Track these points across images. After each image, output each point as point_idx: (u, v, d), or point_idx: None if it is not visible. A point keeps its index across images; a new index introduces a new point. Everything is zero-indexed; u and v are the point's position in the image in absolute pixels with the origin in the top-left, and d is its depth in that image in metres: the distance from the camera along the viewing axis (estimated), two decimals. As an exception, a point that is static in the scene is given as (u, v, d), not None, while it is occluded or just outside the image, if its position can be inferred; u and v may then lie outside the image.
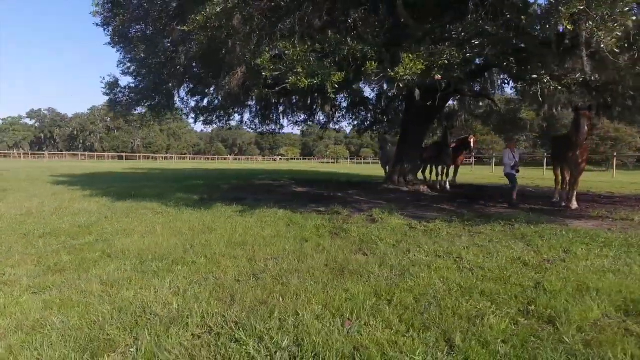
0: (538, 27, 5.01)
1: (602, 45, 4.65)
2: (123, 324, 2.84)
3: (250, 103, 16.86)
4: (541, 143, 58.85)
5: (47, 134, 77.28)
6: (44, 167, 26.60)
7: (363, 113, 20.56)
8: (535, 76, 5.93)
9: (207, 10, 5.26)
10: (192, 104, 15.59)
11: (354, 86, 6.79)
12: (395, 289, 3.60)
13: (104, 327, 2.75)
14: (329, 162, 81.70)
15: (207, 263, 4.45)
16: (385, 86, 9.98)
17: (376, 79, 5.83)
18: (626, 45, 5.39)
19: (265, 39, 6.17)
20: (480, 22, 5.51)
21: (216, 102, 15.18)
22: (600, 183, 18.47)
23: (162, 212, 7.87)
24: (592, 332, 2.79)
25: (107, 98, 12.34)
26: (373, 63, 5.70)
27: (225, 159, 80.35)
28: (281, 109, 17.65)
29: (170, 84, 12.20)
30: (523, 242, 5.64)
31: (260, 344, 2.55)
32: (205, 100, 15.54)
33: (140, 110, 13.47)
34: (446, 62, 5.68)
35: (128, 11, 8.58)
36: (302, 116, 19.32)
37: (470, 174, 28.53)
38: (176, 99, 14.57)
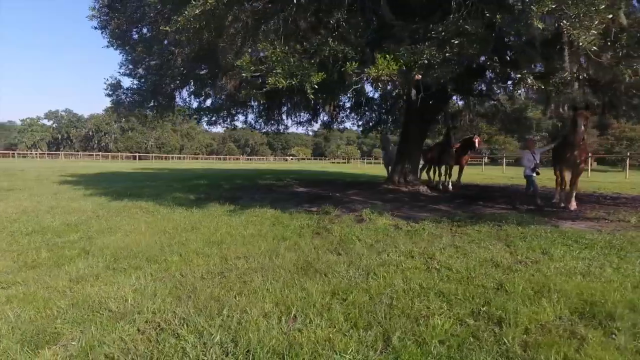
0: (514, 26, 4.94)
1: (581, 44, 4.57)
2: (75, 318, 2.93)
3: (253, 104, 17.00)
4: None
5: (64, 135, 79.16)
6: (56, 167, 27.26)
7: (368, 113, 20.53)
8: (519, 76, 5.86)
9: (187, 12, 5.34)
10: (195, 104, 15.75)
11: (342, 87, 6.76)
12: (354, 289, 3.62)
13: (55, 321, 2.84)
14: (340, 162, 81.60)
15: (179, 261, 4.53)
16: (369, 86, 10.01)
17: (357, 79, 5.82)
18: (609, 43, 5.29)
19: (248, 40, 6.24)
20: (461, 21, 5.47)
21: (220, 102, 15.35)
22: (610, 184, 18.04)
23: (154, 211, 8.02)
24: (535, 334, 2.76)
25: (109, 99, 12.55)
26: (353, 63, 5.71)
27: (237, 159, 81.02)
28: (284, 109, 17.70)
29: (172, 85, 12.42)
30: (503, 243, 5.58)
31: (198, 340, 2.61)
32: (209, 101, 15.73)
33: (143, 111, 13.65)
34: (426, 61, 5.66)
35: (124, 14, 8.75)
36: (306, 116, 19.36)
37: (480, 174, 28.17)
38: (178, 100, 14.78)
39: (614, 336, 2.73)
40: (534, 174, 9.71)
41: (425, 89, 11.87)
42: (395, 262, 4.57)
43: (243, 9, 6.15)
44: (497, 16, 4.87)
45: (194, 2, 5.32)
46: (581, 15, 4.47)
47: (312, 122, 20.17)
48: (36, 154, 63.64)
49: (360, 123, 21.08)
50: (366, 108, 20.35)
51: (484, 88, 15.82)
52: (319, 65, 6.16)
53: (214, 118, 16.89)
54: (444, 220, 7.44)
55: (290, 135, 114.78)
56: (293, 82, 5.54)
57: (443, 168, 16.13)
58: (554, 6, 4.31)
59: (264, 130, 20.26)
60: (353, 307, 3.20)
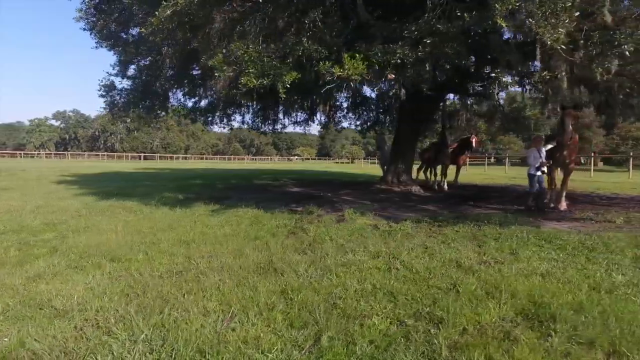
0: (482, 25, 4.90)
1: (548, 42, 4.52)
2: (17, 315, 2.97)
3: (249, 104, 17.03)
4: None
5: (72, 135, 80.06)
6: (59, 167, 27.59)
7: (365, 113, 20.48)
8: (493, 75, 5.81)
9: (158, 13, 5.38)
10: (190, 104, 15.80)
11: (317, 87, 6.74)
12: (305, 288, 3.62)
13: (-4, 318, 2.88)
14: (344, 163, 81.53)
15: (143, 260, 4.57)
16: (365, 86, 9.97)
17: (330, 78, 5.81)
18: (582, 41, 5.22)
19: (224, 40, 6.26)
20: (433, 21, 5.44)
21: (214, 102, 15.40)
22: (613, 184, 17.78)
23: (137, 210, 8.08)
24: (469, 335, 2.74)
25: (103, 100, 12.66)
26: (326, 63, 5.71)
27: (241, 159, 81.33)
28: (281, 109, 17.71)
29: (166, 85, 12.51)
30: (475, 244, 5.54)
31: (129, 338, 2.63)
32: (204, 101, 15.79)
33: (137, 112, 13.76)
34: (399, 61, 5.64)
35: (111, 15, 8.84)
36: (303, 116, 19.36)
37: (482, 174, 27.94)
38: (173, 100, 14.86)
39: (549, 338, 2.70)
40: (539, 173, 9.26)
41: (414, 89, 11.85)
42: (358, 262, 4.56)
43: (217, 9, 6.17)
44: (465, 15, 4.83)
45: (164, 3, 5.35)
46: (547, 13, 4.42)
47: (309, 122, 20.17)
48: (43, 154, 64.45)
49: (358, 123, 21.04)
50: (364, 108, 20.32)
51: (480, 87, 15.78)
52: (296, 66, 6.18)
53: (210, 118, 16.95)
54: (426, 221, 7.39)
55: (296, 135, 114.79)
56: (265, 82, 5.55)
57: (439, 168, 16.05)
58: (518, 4, 4.27)
59: (261, 130, 20.28)
60: (297, 306, 3.20)
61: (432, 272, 4.13)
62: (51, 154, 65.45)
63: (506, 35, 6.59)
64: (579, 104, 9.70)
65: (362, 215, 7.88)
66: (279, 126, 19.97)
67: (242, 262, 4.50)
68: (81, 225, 6.46)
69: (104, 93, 12.39)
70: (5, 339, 2.61)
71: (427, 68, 6.22)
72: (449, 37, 5.29)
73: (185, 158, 75.51)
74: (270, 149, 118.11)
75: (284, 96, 5.59)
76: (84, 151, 70.88)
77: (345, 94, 19.14)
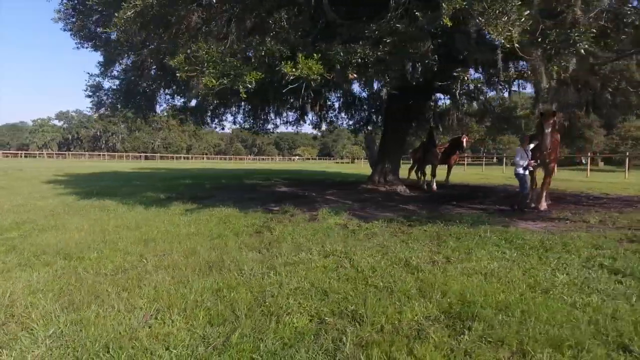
0: (433, 24, 4.91)
1: (497, 41, 4.51)
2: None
3: (241, 104, 17.07)
4: (563, 142, 56.88)
5: (74, 135, 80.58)
6: (56, 167, 27.80)
7: (357, 113, 20.48)
8: (455, 74, 5.81)
9: (118, 14, 5.43)
10: (179, 104, 15.86)
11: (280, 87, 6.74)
12: (241, 286, 3.65)
13: None
14: (345, 162, 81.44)
15: (96, 258, 4.62)
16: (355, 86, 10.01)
17: (293, 78, 5.83)
18: (539, 39, 5.22)
19: (189, 40, 6.30)
20: (393, 20, 5.45)
21: (202, 103, 15.43)
22: (606, 184, 17.66)
23: (111, 209, 8.14)
24: (383, 333, 2.76)
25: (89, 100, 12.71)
26: (288, 63, 5.73)
27: (241, 159, 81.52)
28: (271, 108, 17.73)
29: (154, 85, 12.57)
30: (435, 243, 5.55)
31: (44, 333, 2.67)
32: (194, 101, 15.83)
33: (123, 112, 13.84)
34: (360, 60, 5.66)
35: (90, 17, 8.90)
36: (294, 116, 19.38)
37: (479, 174, 27.84)
38: (161, 100, 14.93)
39: (461, 336, 2.71)
40: (527, 172, 9.12)
41: (403, 89, 11.85)
42: (308, 260, 4.58)
43: (185, 10, 6.21)
44: (418, 14, 4.84)
45: (124, 5, 5.40)
46: (497, 12, 4.43)
47: (301, 122, 20.18)
48: (45, 154, 64.94)
49: (351, 123, 21.05)
50: (357, 107, 20.33)
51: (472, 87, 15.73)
52: (262, 66, 6.20)
53: (203, 118, 17.00)
54: (398, 220, 7.41)
55: (297, 135, 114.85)
56: (225, 82, 5.58)
57: (428, 168, 16.05)
58: (464, 3, 4.27)
59: (253, 131, 20.32)
60: (224, 304, 3.23)
61: (375, 271, 4.15)
62: (53, 154, 65.94)
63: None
64: (556, 110, 9.71)
65: (335, 215, 7.90)
66: (270, 126, 19.99)
67: (192, 260, 4.53)
68: (50, 224, 6.53)
69: (90, 93, 12.43)
70: None
71: (396, 68, 6.20)
72: (407, 37, 5.29)
73: (187, 158, 75.80)
74: (271, 149, 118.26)
75: (245, 96, 5.60)
76: (86, 151, 71.32)
77: (336, 94, 19.25)
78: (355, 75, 5.73)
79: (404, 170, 19.58)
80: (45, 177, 17.10)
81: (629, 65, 9.20)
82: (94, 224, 6.55)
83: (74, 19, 8.99)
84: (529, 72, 5.98)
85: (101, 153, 64.86)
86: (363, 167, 48.56)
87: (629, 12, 5.22)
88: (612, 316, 3.05)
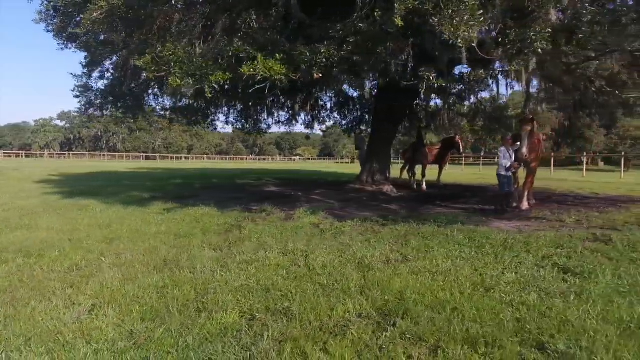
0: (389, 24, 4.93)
1: (451, 41, 4.54)
2: None
3: (234, 103, 17.12)
4: (564, 142, 56.77)
5: (76, 135, 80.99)
6: (52, 167, 27.98)
7: (349, 113, 20.52)
8: (420, 74, 5.84)
9: (84, 16, 5.50)
10: (169, 104, 15.91)
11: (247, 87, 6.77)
12: (187, 284, 3.71)
13: None
14: (345, 162, 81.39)
15: (57, 256, 4.69)
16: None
17: (260, 78, 5.87)
18: (500, 39, 5.24)
19: (158, 41, 6.36)
20: (357, 20, 5.49)
21: (192, 102, 15.47)
22: (599, 184, 17.56)
23: (91, 209, 8.22)
24: (308, 329, 2.81)
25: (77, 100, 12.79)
26: (249, 63, 5.77)
27: (241, 159, 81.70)
28: (259, 108, 17.77)
29: (142, 86, 12.65)
30: (399, 243, 5.57)
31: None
32: (184, 101, 15.88)
33: (113, 111, 13.93)
34: (324, 60, 5.70)
35: (72, 18, 8.97)
36: (286, 116, 19.43)
37: (476, 174, 27.79)
38: (151, 100, 15.02)
39: (382, 333, 2.75)
40: (509, 174, 8.94)
41: (387, 89, 11.84)
42: (265, 259, 4.63)
43: (152, 11, 6.27)
44: (376, 14, 4.87)
45: (90, 6, 5.47)
46: (451, 12, 4.46)
47: (293, 122, 20.23)
48: (46, 154, 65.36)
49: (344, 122, 21.09)
50: (350, 107, 20.37)
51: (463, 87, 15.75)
52: (233, 66, 6.25)
53: (194, 118, 17.06)
54: (373, 220, 7.44)
55: (298, 135, 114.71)
56: (190, 82, 5.63)
57: (418, 168, 16.06)
58: (416, 3, 4.30)
59: (246, 131, 20.38)
60: (163, 300, 3.29)
61: (326, 270, 4.19)
62: (54, 154, 66.34)
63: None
64: (534, 116, 9.75)
65: (312, 214, 7.94)
66: (263, 126, 20.04)
67: (149, 258, 4.59)
68: (22, 223, 6.60)
69: (78, 94, 12.50)
70: None
71: (366, 68, 6.24)
72: (369, 37, 5.33)
73: (188, 158, 76.09)
74: (272, 149, 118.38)
75: (210, 96, 5.66)
76: (88, 151, 71.69)
77: (329, 94, 19.31)
78: (320, 75, 5.77)
79: (396, 171, 19.66)
80: (38, 177, 17.23)
81: (611, 64, 9.22)
82: (67, 223, 6.62)
83: (55, 20, 9.06)
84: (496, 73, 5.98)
85: (102, 153, 65.20)
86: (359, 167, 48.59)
87: (584, 12, 5.23)
88: (542, 314, 3.07)
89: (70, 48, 10.13)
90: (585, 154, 26.91)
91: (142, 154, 65.65)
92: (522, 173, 10.18)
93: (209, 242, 5.54)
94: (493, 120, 19.13)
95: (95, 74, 11.20)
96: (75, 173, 21.53)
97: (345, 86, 16.62)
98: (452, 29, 4.35)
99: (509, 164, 8.70)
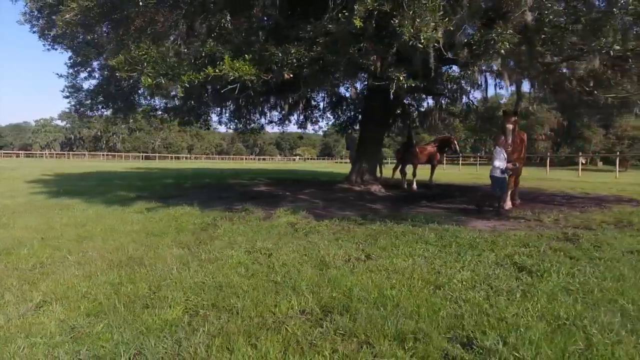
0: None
1: (422, 41, 4.59)
2: None
3: (227, 103, 17.18)
4: (563, 142, 56.76)
5: (77, 135, 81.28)
6: (48, 167, 28.13)
7: (341, 112, 20.58)
8: (389, 74, 5.89)
9: (56, 17, 5.58)
10: (161, 104, 15.95)
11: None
12: (142, 281, 3.78)
13: None
14: (344, 162, 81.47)
15: (25, 254, 4.77)
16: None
17: (232, 78, 5.94)
18: (465, 40, 5.29)
19: (133, 42, 6.43)
20: (326, 21, 5.55)
21: (183, 102, 15.51)
22: (592, 184, 17.54)
23: (73, 208, 8.30)
24: (247, 324, 2.87)
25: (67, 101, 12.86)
26: (220, 63, 5.83)
27: (241, 159, 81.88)
28: (251, 108, 17.82)
29: (136, 87, 12.72)
30: (367, 242, 5.61)
31: None
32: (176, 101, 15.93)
33: (104, 112, 14.01)
34: (294, 61, 5.76)
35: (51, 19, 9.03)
36: (278, 115, 19.49)
37: (473, 173, 27.79)
38: (142, 100, 15.07)
39: (316, 329, 2.81)
40: (505, 175, 8.41)
41: (377, 90, 11.88)
42: (229, 257, 4.69)
43: (129, 12, 6.34)
44: (340, 15, 4.93)
45: (62, 7, 5.54)
46: (412, 13, 4.51)
47: (285, 122, 20.29)
48: (47, 154, 65.65)
49: (338, 122, 21.15)
50: (343, 107, 20.43)
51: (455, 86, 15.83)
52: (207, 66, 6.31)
53: (186, 118, 17.11)
54: (351, 219, 7.47)
55: (298, 135, 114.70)
56: (162, 82, 5.70)
57: (408, 167, 16.10)
58: (375, 4, 4.36)
59: (240, 131, 20.46)
60: (115, 296, 3.35)
61: (284, 268, 4.25)
62: (54, 154, 66.63)
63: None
64: (517, 109, 9.79)
65: (292, 213, 7.99)
66: (256, 126, 20.09)
67: (114, 256, 4.66)
68: (0, 222, 6.67)
69: (67, 94, 12.56)
70: None
71: (342, 69, 6.29)
72: (336, 37, 5.39)
73: (188, 158, 76.32)
74: (272, 149, 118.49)
75: (182, 95, 5.72)
76: (90, 151, 71.95)
77: (322, 94, 19.38)
78: (291, 76, 5.83)
79: (388, 170, 19.70)
80: (31, 177, 17.34)
81: (594, 65, 9.23)
82: (44, 222, 6.70)
83: (40, 21, 9.13)
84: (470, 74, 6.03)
85: (102, 153, 65.46)
86: (359, 167, 48.61)
87: (546, 12, 5.27)
88: (482, 311, 3.12)
89: (56, 49, 10.20)
90: (580, 153, 26.86)
91: (141, 154, 65.90)
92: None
93: (180, 240, 5.60)
94: (485, 120, 19.20)
95: (83, 75, 11.24)
96: (69, 173, 21.65)
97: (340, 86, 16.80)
98: (412, 30, 4.40)
99: (503, 166, 8.23)
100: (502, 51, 4.91)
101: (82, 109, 13.62)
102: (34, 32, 9.65)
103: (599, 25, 4.93)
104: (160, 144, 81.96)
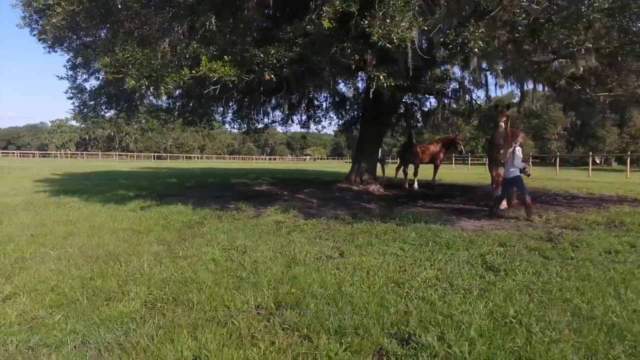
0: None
1: (395, 41, 4.63)
2: None
3: (229, 103, 17.37)
4: (577, 142, 55.77)
5: (91, 135, 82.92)
6: (58, 166, 28.81)
7: (344, 112, 20.59)
8: (368, 73, 5.92)
9: (43, 21, 5.77)
10: (165, 105, 16.19)
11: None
12: (112, 276, 3.92)
13: None
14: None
15: (11, 249, 4.96)
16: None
17: (215, 80, 6.05)
18: (442, 40, 5.30)
19: (120, 45, 6.59)
20: (305, 22, 5.62)
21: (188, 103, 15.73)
22: (601, 184, 17.24)
23: (70, 206, 8.54)
24: (196, 317, 2.96)
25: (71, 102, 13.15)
26: (206, 64, 5.95)
27: (250, 159, 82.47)
28: (253, 107, 17.96)
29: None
30: (346, 240, 5.67)
31: None
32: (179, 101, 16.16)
33: (106, 113, 14.30)
34: (275, 61, 5.85)
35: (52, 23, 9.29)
36: (280, 115, 19.60)
37: (481, 174, 27.47)
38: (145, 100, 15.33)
39: (263, 323, 2.89)
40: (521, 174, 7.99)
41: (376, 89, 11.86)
42: (203, 254, 4.81)
43: (118, 15, 6.51)
44: (313, 16, 5.00)
45: (49, 12, 5.73)
46: (381, 14, 4.55)
47: (288, 122, 20.38)
48: (61, 154, 67.20)
49: (341, 122, 21.17)
50: (347, 107, 20.45)
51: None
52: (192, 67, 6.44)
53: (190, 118, 17.34)
54: (340, 218, 7.54)
55: (309, 135, 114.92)
56: (146, 83, 5.84)
57: (409, 167, 16.07)
58: (344, 4, 4.42)
59: (242, 130, 20.64)
60: (83, 289, 3.49)
61: (254, 265, 4.33)
62: (68, 154, 68.15)
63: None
64: (510, 105, 9.68)
65: (282, 212, 8.09)
66: (260, 125, 20.24)
67: (94, 252, 4.82)
68: (-5, 218, 6.92)
69: (71, 95, 12.83)
70: None
71: (327, 68, 6.36)
72: (313, 38, 5.45)
73: (200, 158, 77.27)
74: (283, 148, 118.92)
75: (165, 96, 5.86)
76: (102, 151, 73.36)
77: (324, 94, 19.44)
78: (272, 76, 5.92)
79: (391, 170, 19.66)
80: (39, 176, 17.78)
81: (586, 63, 9.11)
82: (37, 220, 6.92)
83: (39, 25, 9.38)
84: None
85: (115, 153, 66.71)
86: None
87: (517, 11, 5.24)
88: (432, 308, 3.17)
89: (56, 51, 10.47)
90: (591, 153, 26.37)
91: (153, 154, 66.95)
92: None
93: (162, 238, 5.74)
94: (488, 119, 19.01)
95: (84, 76, 11.50)
96: (77, 172, 22.13)
97: (341, 86, 16.86)
98: (381, 31, 4.45)
99: (523, 165, 7.90)
100: (476, 50, 4.92)
101: (85, 110, 13.92)
102: (33, 35, 9.91)
103: (570, 24, 4.90)
104: (172, 144, 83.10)
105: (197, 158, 76.07)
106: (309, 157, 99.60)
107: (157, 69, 5.91)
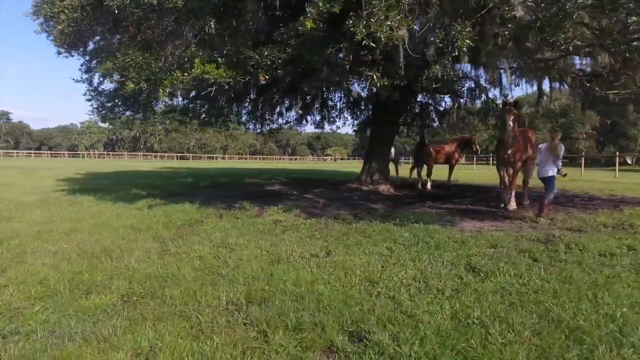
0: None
1: (364, 42, 4.65)
2: None
3: (245, 104, 17.65)
4: (606, 141, 53.73)
5: (118, 136, 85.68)
6: (83, 166, 29.95)
7: (358, 112, 20.56)
8: (360, 70, 5.94)
9: (49, 29, 6.06)
10: (181, 105, 16.56)
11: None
12: (99, 271, 4.11)
13: None
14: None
15: (16, 244, 5.26)
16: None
17: (213, 81, 6.20)
18: (431, 38, 5.27)
19: (123, 49, 6.84)
20: (297, 24, 5.70)
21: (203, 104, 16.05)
22: (627, 185, 16.56)
23: (81, 204, 8.91)
24: (166, 312, 3.09)
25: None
26: (200, 66, 6.10)
27: (271, 159, 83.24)
28: (267, 108, 18.16)
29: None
30: (337, 240, 5.70)
31: None
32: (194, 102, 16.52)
33: (124, 114, 14.76)
34: (269, 62, 5.95)
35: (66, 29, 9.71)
36: (294, 115, 19.75)
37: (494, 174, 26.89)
38: (160, 102, 15.75)
39: (228, 318, 2.98)
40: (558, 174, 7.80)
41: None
42: (193, 251, 4.96)
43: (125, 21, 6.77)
44: (302, 18, 5.07)
45: (54, 19, 6.01)
46: (365, 14, 4.58)
47: (302, 122, 20.51)
48: (88, 154, 69.77)
49: (357, 122, 21.14)
50: (361, 107, 20.42)
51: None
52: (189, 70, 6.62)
53: (206, 119, 17.70)
54: (340, 218, 7.56)
55: (330, 135, 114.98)
56: (145, 86, 6.05)
57: (422, 167, 15.91)
58: (328, 5, 4.46)
59: (257, 131, 20.91)
60: (69, 283, 3.67)
61: (237, 263, 4.44)
62: (95, 154, 70.68)
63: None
64: (518, 101, 9.43)
65: (284, 212, 8.19)
66: (275, 126, 20.45)
67: (90, 248, 5.04)
68: (9, 215, 7.33)
69: (90, 97, 13.32)
70: None
71: (325, 69, 6.43)
72: (305, 38, 5.52)
73: (222, 158, 78.62)
74: (304, 149, 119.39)
75: (164, 98, 6.04)
76: (129, 151, 75.70)
77: (338, 94, 19.48)
78: (267, 78, 6.02)
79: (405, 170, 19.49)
80: (62, 176, 18.55)
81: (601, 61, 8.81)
82: (47, 217, 7.27)
83: (55, 31, 9.81)
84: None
85: (140, 153, 68.69)
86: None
87: (506, 8, 5.13)
88: (398, 308, 3.18)
89: (73, 55, 10.90)
90: (618, 153, 25.38)
91: (176, 154, 68.61)
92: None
93: (160, 235, 5.93)
94: (497, 118, 18.60)
95: (100, 79, 11.93)
96: (99, 172, 22.95)
97: (355, 86, 16.86)
98: (365, 30, 4.47)
99: (560, 164, 7.72)
100: (465, 49, 4.86)
101: (104, 112, 14.42)
102: (50, 40, 10.36)
103: (557, 22, 4.77)
104: (195, 144, 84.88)
105: (222, 158, 77.44)
106: (329, 157, 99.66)
107: (155, 72, 6.10)
